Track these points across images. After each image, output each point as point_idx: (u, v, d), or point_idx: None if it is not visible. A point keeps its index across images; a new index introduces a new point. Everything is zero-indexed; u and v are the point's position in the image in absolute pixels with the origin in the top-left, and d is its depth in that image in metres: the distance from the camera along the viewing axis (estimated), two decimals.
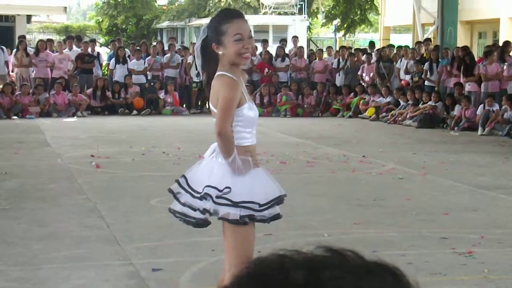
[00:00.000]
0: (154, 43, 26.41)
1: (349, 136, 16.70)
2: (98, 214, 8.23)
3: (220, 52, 4.41)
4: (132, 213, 8.23)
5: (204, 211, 4.36)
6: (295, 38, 24.38)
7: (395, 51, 22.49)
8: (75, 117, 20.00)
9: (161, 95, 21.69)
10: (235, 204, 4.30)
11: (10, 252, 6.62)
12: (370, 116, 20.65)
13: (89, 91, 21.18)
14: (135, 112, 21.01)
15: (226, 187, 4.29)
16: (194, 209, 4.39)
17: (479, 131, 17.18)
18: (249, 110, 4.45)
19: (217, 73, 4.39)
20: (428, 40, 23.55)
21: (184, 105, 22.15)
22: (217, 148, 4.43)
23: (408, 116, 19.35)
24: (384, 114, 20.33)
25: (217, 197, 4.31)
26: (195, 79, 21.16)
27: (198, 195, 4.36)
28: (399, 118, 19.58)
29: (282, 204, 4.51)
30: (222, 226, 4.45)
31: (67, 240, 7.05)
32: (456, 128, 17.89)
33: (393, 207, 8.75)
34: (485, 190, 9.95)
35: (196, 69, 4.64)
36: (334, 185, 10.37)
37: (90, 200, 9.04)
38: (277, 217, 4.47)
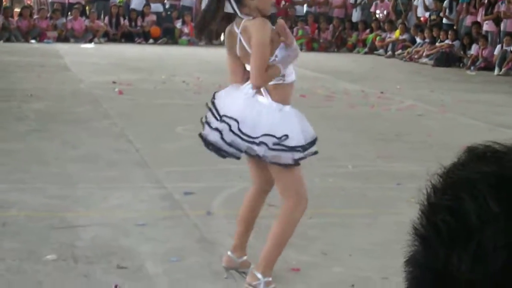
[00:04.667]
0: None
1: (366, 72, 16.75)
2: (126, 139, 8.39)
3: None
4: (159, 139, 8.38)
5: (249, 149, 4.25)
6: None
7: None
8: (93, 43, 20.04)
9: (178, 24, 21.66)
10: (291, 149, 4.19)
11: (47, 171, 6.80)
12: (397, 38, 20.58)
13: (106, 18, 21.17)
14: (151, 40, 21.03)
15: (284, 135, 4.17)
16: (240, 150, 4.25)
17: (496, 71, 17.20)
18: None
19: (246, 19, 4.17)
20: None
21: None
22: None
23: (424, 54, 19.36)
24: (400, 51, 20.32)
25: (274, 144, 4.18)
26: None
27: (251, 140, 4.19)
28: (415, 56, 19.59)
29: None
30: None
31: (100, 162, 7.21)
32: (472, 68, 17.91)
33: (415, 142, 8.88)
34: (506, 128, 10.05)
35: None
36: (354, 119, 10.49)
37: (117, 125, 9.20)
38: (314, 153, 4.41)
